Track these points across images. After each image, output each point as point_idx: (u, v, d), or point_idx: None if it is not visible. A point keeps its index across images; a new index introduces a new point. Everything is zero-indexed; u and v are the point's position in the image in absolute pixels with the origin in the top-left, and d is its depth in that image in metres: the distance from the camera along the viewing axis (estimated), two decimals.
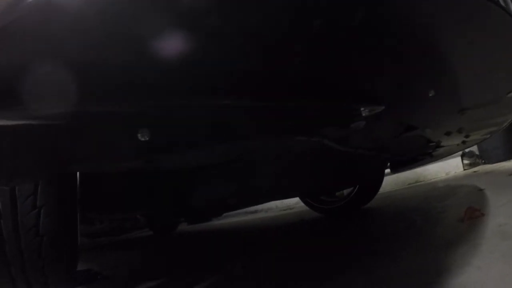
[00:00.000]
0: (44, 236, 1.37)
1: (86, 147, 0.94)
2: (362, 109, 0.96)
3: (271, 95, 0.82)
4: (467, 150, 3.94)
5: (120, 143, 0.93)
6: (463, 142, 2.04)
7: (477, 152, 4.16)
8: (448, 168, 4.12)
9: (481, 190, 2.61)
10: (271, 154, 1.41)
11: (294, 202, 4.46)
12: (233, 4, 0.60)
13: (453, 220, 2.04)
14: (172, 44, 0.62)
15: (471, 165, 4.13)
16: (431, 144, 1.80)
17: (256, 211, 4.97)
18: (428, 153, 2.04)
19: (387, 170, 2.56)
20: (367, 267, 1.60)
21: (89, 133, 0.88)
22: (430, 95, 1.06)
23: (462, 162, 4.13)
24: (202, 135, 0.98)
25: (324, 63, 0.80)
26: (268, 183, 1.97)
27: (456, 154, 3.88)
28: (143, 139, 0.84)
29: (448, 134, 1.67)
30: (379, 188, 3.09)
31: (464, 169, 4.09)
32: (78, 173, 1.43)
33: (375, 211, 3.02)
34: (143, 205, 2.20)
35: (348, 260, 1.80)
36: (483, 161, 4.14)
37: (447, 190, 3.17)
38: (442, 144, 1.87)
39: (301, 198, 3.48)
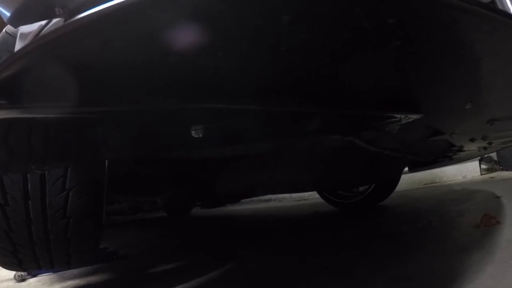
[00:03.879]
0: (71, 217, 1.40)
1: (131, 139, 0.97)
2: (402, 116, 0.99)
3: (321, 102, 0.85)
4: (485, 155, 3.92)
5: (172, 138, 0.96)
6: (485, 148, 2.05)
7: (495, 158, 4.13)
8: (465, 171, 4.11)
9: (497, 197, 2.60)
10: (301, 150, 1.43)
11: (308, 193, 4.46)
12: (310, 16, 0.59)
13: (468, 225, 2.04)
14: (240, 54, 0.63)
15: (489, 170, 4.10)
16: (454, 148, 1.82)
17: (269, 200, 4.97)
18: (449, 156, 2.05)
19: (404, 169, 2.58)
20: (381, 264, 1.60)
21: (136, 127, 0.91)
22: (467, 107, 1.08)
23: (480, 166, 4.11)
24: (250, 133, 1.01)
25: (377, 77, 0.83)
26: (293, 176, 2.00)
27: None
28: (196, 136, 0.86)
29: (472, 140, 1.68)
30: (395, 186, 3.10)
31: (481, 174, 4.08)
32: None
33: (391, 209, 3.02)
34: (168, 191, 2.24)
35: (362, 256, 1.81)
36: (501, 167, 4.11)
37: (464, 194, 3.16)
38: (464, 149, 1.88)
39: (318, 191, 3.49)
